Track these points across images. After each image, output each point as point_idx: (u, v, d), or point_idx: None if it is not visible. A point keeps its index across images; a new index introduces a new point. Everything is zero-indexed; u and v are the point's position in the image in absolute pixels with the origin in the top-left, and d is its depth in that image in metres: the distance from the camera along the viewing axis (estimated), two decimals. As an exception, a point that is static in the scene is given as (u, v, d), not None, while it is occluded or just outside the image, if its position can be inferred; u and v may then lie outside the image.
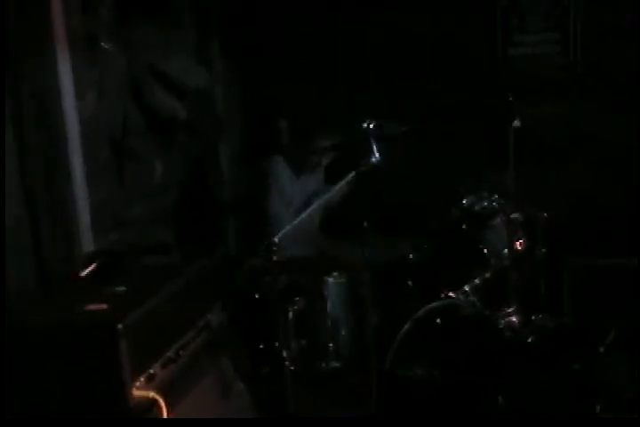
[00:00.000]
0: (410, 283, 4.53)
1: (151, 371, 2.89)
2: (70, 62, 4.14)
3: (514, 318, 4.20)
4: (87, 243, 4.26)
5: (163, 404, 2.80)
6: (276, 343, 3.89)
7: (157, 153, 4.82)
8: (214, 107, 5.62)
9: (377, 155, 3.94)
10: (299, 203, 4.76)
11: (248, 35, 5.66)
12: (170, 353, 3.04)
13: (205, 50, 5.52)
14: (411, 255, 4.57)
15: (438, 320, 4.25)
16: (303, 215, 3.98)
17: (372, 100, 5.36)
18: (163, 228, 4.80)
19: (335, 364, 4.31)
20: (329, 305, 4.31)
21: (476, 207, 4.42)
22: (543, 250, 4.52)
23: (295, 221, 3.94)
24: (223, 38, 5.64)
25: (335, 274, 4.35)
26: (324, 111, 5.19)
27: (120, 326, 2.69)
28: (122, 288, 3.04)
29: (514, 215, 4.28)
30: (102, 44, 4.39)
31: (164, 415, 2.79)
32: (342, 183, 4.03)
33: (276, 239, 3.75)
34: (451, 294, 4.40)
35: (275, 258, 3.75)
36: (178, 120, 4.97)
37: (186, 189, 5.14)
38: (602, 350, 4.03)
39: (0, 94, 3.61)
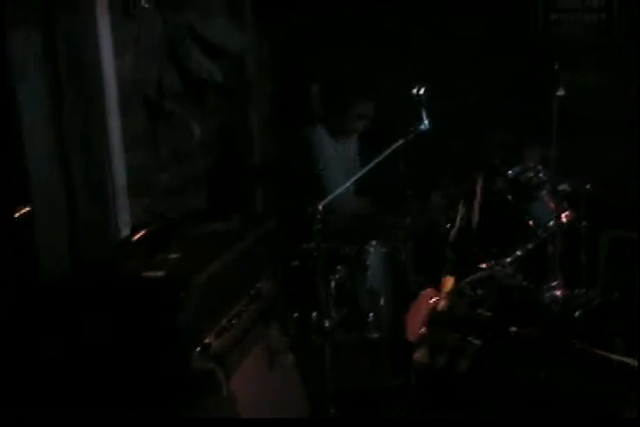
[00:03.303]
0: (453, 253, 4.43)
1: (207, 340, 2.82)
2: (109, 20, 4.05)
3: (558, 292, 4.13)
4: (123, 207, 4.20)
5: (220, 374, 2.74)
6: (314, 313, 3.84)
7: (194, 115, 4.73)
8: (247, 70, 5.51)
9: (426, 122, 3.83)
10: (340, 170, 4.67)
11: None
12: (224, 322, 2.97)
13: (240, 12, 5.41)
14: (456, 226, 4.47)
15: (479, 291, 4.18)
16: (347, 183, 3.90)
17: (410, 65, 5.25)
18: (195, 193, 4.74)
19: (375, 334, 4.26)
20: (370, 275, 4.25)
21: (522, 178, 4.32)
22: (584, 223, 4.44)
23: (339, 190, 3.86)
24: (257, 1, 5.53)
25: (376, 243, 4.28)
26: (359, 77, 5.10)
27: (182, 294, 2.62)
28: (175, 255, 2.96)
29: (561, 187, 4.19)
30: (142, 2, 4.28)
31: (223, 385, 2.72)
32: (389, 151, 3.93)
33: (320, 207, 3.67)
34: (493, 265, 4.31)
35: (317, 227, 3.68)
36: (213, 82, 4.86)
37: (218, 153, 5.06)
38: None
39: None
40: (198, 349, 2.76)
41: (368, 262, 4.24)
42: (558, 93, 4.38)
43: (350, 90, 4.84)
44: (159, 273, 2.76)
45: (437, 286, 4.19)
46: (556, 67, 4.38)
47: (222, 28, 4.98)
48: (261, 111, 5.67)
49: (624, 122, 4.95)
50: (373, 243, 4.28)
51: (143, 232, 3.15)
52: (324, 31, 5.55)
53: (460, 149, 5.09)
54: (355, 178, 3.90)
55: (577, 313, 4.04)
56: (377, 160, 3.98)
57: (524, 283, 4.27)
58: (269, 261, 3.49)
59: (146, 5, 4.29)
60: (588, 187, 4.45)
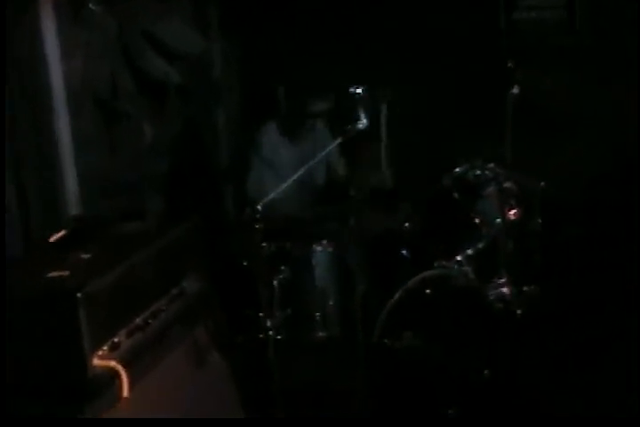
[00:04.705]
0: (404, 252, 4.41)
1: (115, 339, 2.82)
2: (56, 24, 4.08)
3: (505, 290, 4.10)
4: (75, 209, 4.23)
5: (124, 374, 2.73)
6: (260, 313, 3.82)
7: (148, 116, 4.76)
8: (212, 72, 5.54)
9: (364, 121, 3.82)
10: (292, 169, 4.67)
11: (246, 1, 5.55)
12: (138, 321, 2.97)
13: (203, 16, 5.45)
14: (406, 224, 4.45)
15: (428, 290, 4.15)
16: (288, 182, 3.90)
17: (366, 65, 5.23)
18: (153, 193, 4.75)
19: (322, 333, 4.25)
20: (316, 274, 4.24)
21: (469, 176, 4.30)
22: (539, 220, 4.42)
23: (280, 188, 3.87)
24: (221, 5, 5.55)
25: (323, 242, 4.28)
26: (320, 77, 5.10)
27: (79, 294, 2.62)
28: (87, 255, 2.96)
29: (507, 184, 4.16)
30: (90, 5, 4.31)
31: (125, 386, 2.72)
32: (329, 149, 3.94)
33: (259, 206, 3.67)
34: (444, 263, 4.27)
35: (259, 225, 3.67)
36: (170, 84, 4.88)
37: (179, 153, 5.08)
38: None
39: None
40: (105, 347, 2.77)
41: (315, 262, 4.25)
42: (513, 91, 4.34)
43: (308, 89, 4.88)
44: (64, 273, 2.77)
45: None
46: (510, 65, 4.33)
47: (179, 32, 4.99)
48: (229, 112, 5.69)
49: (582, 120, 4.92)
50: (322, 242, 4.29)
51: (62, 233, 3.16)
52: (291, 35, 5.55)
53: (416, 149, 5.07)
54: (292, 178, 3.91)
55: (520, 311, 4.01)
56: (315, 160, 4.00)
57: (476, 282, 4.23)
58: (196, 260, 3.47)
59: (94, 8, 4.32)
60: (542, 184, 4.43)
